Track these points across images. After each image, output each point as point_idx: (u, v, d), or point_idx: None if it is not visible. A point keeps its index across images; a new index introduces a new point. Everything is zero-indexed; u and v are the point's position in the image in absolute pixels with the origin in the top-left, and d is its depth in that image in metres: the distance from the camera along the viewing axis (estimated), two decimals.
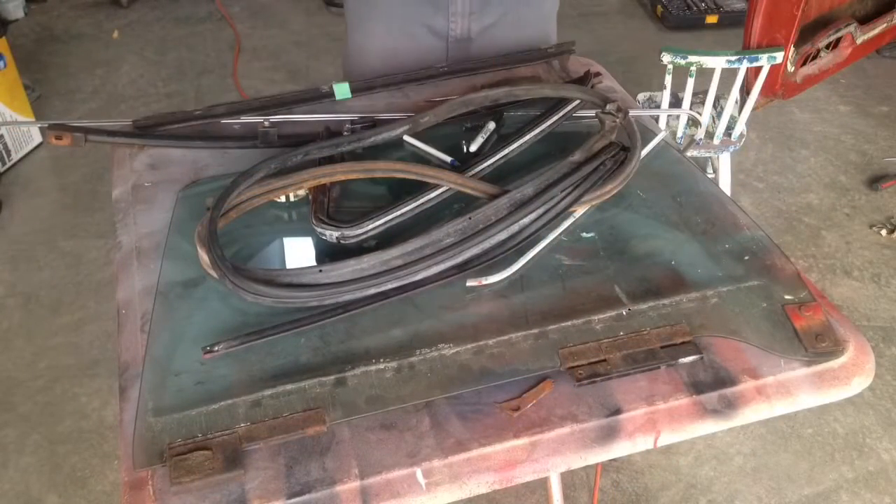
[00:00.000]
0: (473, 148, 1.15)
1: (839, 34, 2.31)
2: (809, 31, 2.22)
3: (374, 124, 1.20)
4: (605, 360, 0.85)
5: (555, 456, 0.79)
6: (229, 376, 0.84)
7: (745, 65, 2.13)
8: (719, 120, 2.36)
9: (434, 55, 1.47)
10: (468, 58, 1.47)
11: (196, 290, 0.95)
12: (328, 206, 1.02)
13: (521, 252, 0.97)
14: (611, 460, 1.91)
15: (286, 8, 4.08)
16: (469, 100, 1.19)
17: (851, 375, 0.86)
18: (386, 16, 1.45)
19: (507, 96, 1.20)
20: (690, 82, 2.19)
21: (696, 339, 0.87)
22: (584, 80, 1.29)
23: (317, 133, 1.16)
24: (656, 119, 2.25)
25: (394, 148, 1.17)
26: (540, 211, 0.99)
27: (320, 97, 1.29)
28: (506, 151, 1.12)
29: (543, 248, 0.99)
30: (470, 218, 0.97)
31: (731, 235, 1.02)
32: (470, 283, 0.93)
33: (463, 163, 1.12)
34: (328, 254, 1.00)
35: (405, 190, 1.05)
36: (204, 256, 0.91)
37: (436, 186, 1.04)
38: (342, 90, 1.28)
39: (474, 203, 1.02)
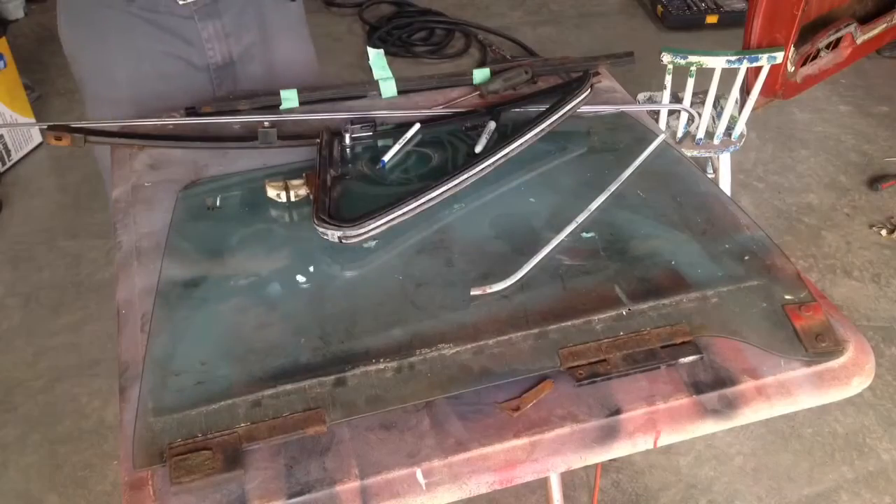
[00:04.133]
0: (478, 149, 1.15)
1: (839, 34, 2.32)
2: (809, 31, 2.22)
3: (374, 124, 1.20)
4: (605, 360, 0.85)
5: (555, 456, 0.79)
6: (229, 376, 0.84)
7: (745, 65, 2.13)
8: (719, 120, 2.36)
9: (198, 90, 1.36)
10: (233, 87, 1.39)
11: (196, 290, 0.95)
12: (329, 206, 1.02)
13: (526, 257, 0.98)
14: (611, 460, 1.91)
15: None
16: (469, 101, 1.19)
17: (851, 375, 0.86)
18: (126, 59, 1.34)
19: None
20: (690, 82, 2.19)
21: (696, 339, 0.87)
22: (582, 79, 1.29)
23: (317, 132, 1.16)
24: (657, 119, 2.25)
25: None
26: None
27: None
28: (506, 150, 1.12)
29: (547, 253, 0.99)
30: None
31: (731, 235, 1.02)
32: (474, 291, 0.93)
33: (464, 163, 1.12)
34: (330, 254, 1.00)
35: (407, 190, 1.05)
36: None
37: (436, 186, 1.04)
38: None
39: (475, 197, 1.01)
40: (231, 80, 1.43)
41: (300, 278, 0.97)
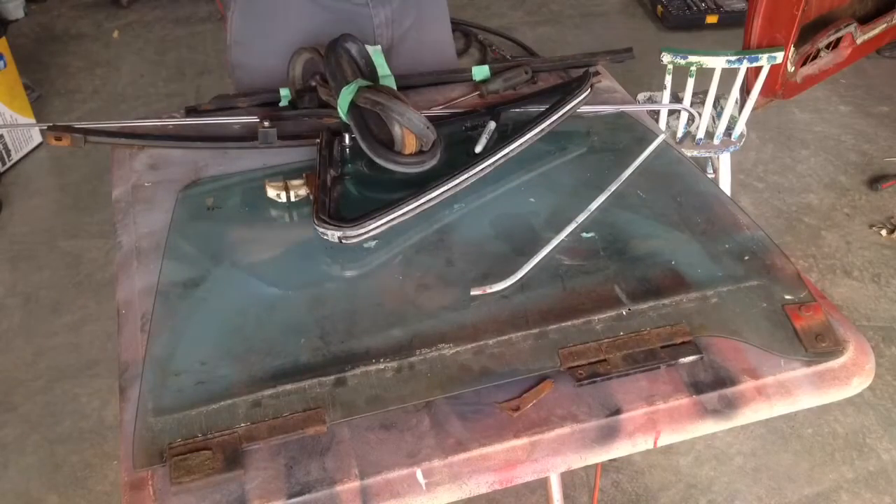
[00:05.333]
0: (478, 149, 1.15)
1: (839, 34, 2.32)
2: (809, 31, 2.22)
3: None
4: (605, 360, 0.85)
5: (555, 456, 0.79)
6: (229, 376, 0.84)
7: (745, 65, 2.13)
8: (719, 120, 2.36)
9: None
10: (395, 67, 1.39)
11: (196, 290, 0.95)
12: (329, 206, 1.02)
13: (526, 257, 0.98)
14: (611, 460, 1.91)
15: None
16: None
17: (851, 375, 0.86)
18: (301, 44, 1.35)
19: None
20: (690, 82, 2.19)
21: (696, 339, 0.87)
22: (582, 79, 1.29)
23: (317, 132, 1.16)
24: (657, 119, 2.25)
25: None
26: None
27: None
28: (506, 150, 1.12)
29: (547, 253, 0.99)
30: None
31: (731, 235, 1.02)
32: (474, 291, 0.93)
33: (464, 163, 1.11)
34: (330, 254, 1.00)
35: (407, 190, 1.05)
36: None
37: (436, 186, 1.04)
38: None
39: (474, 196, 1.01)
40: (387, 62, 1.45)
41: (300, 278, 0.97)
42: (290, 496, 0.74)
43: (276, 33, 1.39)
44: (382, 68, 1.26)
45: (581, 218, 1.04)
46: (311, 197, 1.06)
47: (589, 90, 1.24)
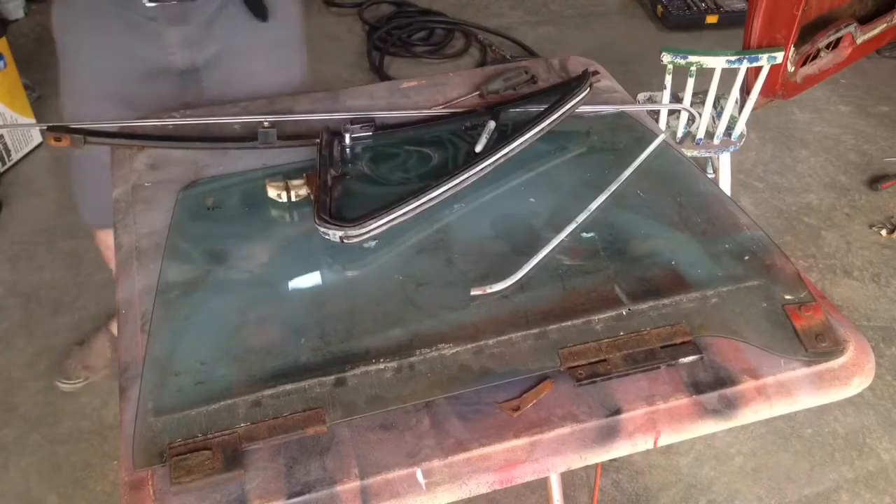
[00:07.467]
0: (478, 149, 1.15)
1: (839, 34, 2.32)
2: (809, 31, 2.22)
3: (373, 123, 1.20)
4: (605, 360, 0.85)
5: (555, 456, 0.79)
6: (229, 376, 0.84)
7: (745, 65, 2.13)
8: (719, 120, 2.36)
9: (162, 91, 1.40)
10: (198, 92, 1.42)
11: (196, 290, 0.95)
12: (330, 206, 1.02)
13: (526, 257, 0.98)
14: (611, 460, 1.91)
15: None
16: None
17: (851, 375, 0.86)
18: (99, 50, 1.39)
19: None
20: (690, 82, 2.19)
21: (696, 339, 0.87)
22: (582, 79, 1.29)
23: (317, 132, 1.16)
24: (657, 119, 2.25)
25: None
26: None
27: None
28: (506, 150, 1.12)
29: (547, 253, 0.99)
30: None
31: (731, 235, 1.02)
32: (474, 291, 0.93)
33: (464, 162, 1.12)
34: (330, 254, 1.00)
35: (408, 189, 1.05)
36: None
37: (436, 186, 1.04)
38: None
39: (474, 196, 1.01)
40: (196, 85, 1.44)
41: (300, 278, 0.97)
42: (290, 496, 0.74)
43: (84, 38, 1.38)
44: None
45: (581, 218, 1.04)
46: (312, 197, 1.06)
47: (588, 90, 1.24)
